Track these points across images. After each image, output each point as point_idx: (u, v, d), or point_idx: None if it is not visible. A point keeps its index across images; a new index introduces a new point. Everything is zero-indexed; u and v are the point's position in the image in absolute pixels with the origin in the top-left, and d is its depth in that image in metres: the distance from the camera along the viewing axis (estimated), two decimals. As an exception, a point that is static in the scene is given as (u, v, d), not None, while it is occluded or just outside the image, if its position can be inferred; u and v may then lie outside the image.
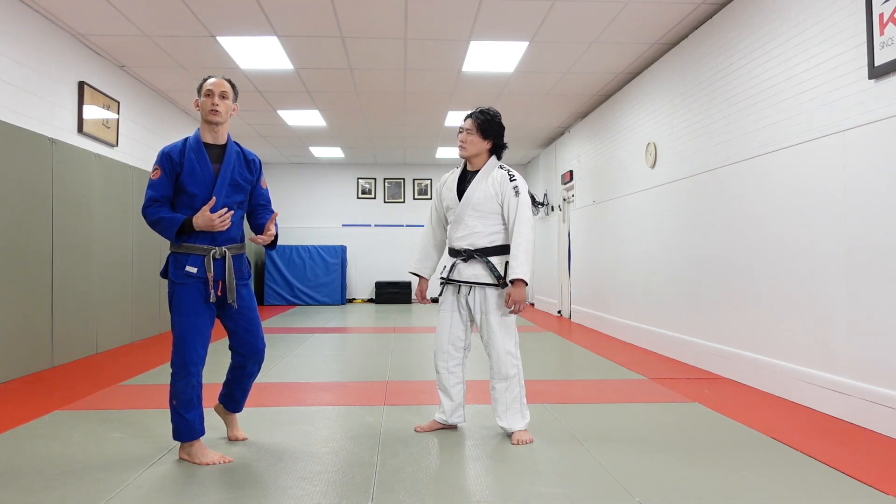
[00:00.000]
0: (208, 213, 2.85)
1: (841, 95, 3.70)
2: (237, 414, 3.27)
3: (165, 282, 3.12)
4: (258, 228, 3.09)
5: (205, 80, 3.01)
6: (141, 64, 6.61)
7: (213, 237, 2.92)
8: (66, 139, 5.64)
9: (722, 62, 5.05)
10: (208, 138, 2.98)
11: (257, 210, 3.13)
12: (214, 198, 2.89)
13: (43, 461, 2.89)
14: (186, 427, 2.86)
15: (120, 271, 6.63)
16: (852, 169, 3.61)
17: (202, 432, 2.92)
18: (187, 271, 2.88)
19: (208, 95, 2.95)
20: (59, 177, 5.47)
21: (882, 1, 3.36)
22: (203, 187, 2.91)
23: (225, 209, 2.90)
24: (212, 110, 2.93)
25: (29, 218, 5.03)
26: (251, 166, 3.08)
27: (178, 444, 3.01)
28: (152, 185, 2.90)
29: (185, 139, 2.99)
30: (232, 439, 3.24)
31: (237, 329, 3.04)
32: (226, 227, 2.90)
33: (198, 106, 3.00)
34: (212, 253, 2.90)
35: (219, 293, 2.91)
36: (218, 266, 2.92)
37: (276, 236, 3.04)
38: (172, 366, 2.87)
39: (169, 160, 2.90)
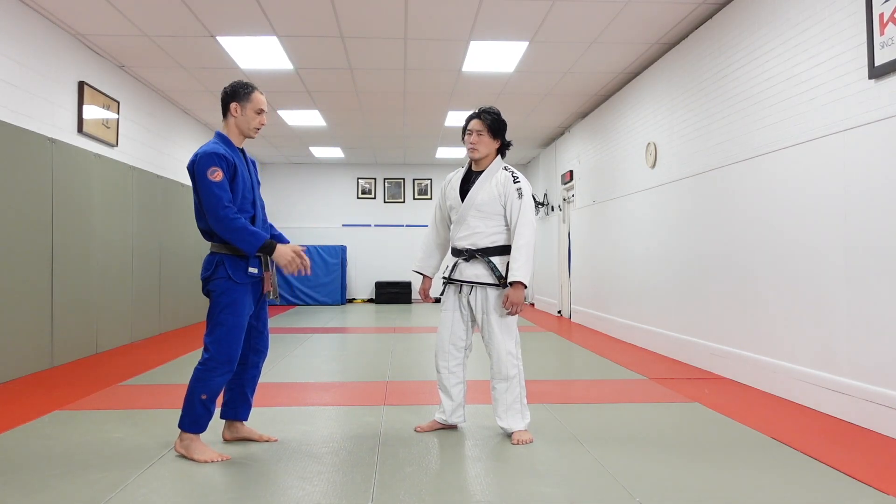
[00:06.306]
0: (297, 247, 2.96)
1: (841, 95, 3.70)
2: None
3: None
4: None
5: (252, 89, 3.00)
6: (141, 64, 6.61)
7: None
8: (65, 139, 5.64)
9: (722, 62, 5.05)
10: (237, 142, 3.05)
11: None
12: (303, 248, 3.01)
13: (43, 461, 2.89)
14: (207, 419, 2.93)
15: (120, 271, 6.63)
16: (852, 169, 3.61)
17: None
18: (251, 273, 2.95)
19: (260, 113, 3.02)
20: (59, 177, 5.47)
21: (882, 1, 3.36)
22: (247, 189, 3.00)
23: (304, 247, 3.04)
24: (257, 129, 3.04)
25: (29, 218, 5.03)
26: (255, 167, 3.17)
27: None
28: (220, 186, 2.83)
29: (216, 142, 2.96)
30: (263, 440, 3.21)
31: (258, 324, 3.15)
32: (297, 268, 2.96)
33: (236, 112, 2.99)
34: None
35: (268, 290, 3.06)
36: (269, 266, 3.04)
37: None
38: (212, 361, 2.89)
39: (226, 162, 2.89)
